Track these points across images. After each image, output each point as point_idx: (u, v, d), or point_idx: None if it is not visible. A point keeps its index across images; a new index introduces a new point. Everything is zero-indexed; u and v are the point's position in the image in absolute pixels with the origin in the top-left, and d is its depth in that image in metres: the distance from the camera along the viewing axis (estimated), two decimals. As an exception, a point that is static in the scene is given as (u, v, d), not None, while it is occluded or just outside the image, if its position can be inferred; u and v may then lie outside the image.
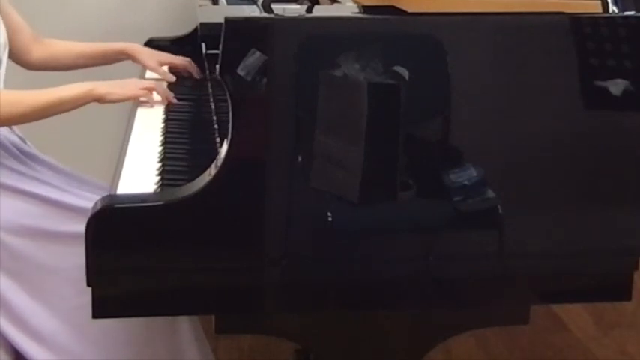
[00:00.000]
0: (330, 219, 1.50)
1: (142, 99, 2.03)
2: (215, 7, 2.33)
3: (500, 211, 1.55)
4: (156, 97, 2.05)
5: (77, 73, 2.30)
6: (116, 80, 1.97)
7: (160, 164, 1.75)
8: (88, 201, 1.71)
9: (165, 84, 2.20)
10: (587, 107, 1.55)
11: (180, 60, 2.32)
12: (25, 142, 1.98)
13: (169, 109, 2.06)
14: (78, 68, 2.28)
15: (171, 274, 1.50)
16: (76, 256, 1.55)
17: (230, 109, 1.47)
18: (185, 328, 1.90)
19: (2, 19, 1.97)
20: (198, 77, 2.27)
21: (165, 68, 2.29)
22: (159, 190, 1.63)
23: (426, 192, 1.54)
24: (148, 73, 2.29)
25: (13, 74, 2.07)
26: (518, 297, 1.62)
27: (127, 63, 2.32)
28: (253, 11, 1.60)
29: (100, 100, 1.88)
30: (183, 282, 1.51)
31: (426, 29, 1.52)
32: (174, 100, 2.05)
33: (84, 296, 1.53)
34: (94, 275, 1.48)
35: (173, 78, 2.23)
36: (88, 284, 1.49)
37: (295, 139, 1.49)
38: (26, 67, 2.10)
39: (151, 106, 2.03)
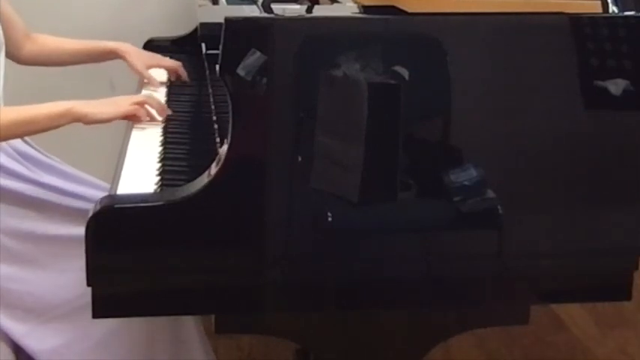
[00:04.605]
0: (330, 219, 1.50)
1: (136, 119, 1.87)
2: (215, 7, 2.33)
3: (500, 211, 1.55)
4: (150, 110, 1.89)
5: (82, 74, 2.30)
6: (105, 99, 1.85)
7: (159, 164, 1.75)
8: (88, 202, 1.71)
9: (162, 96, 2.16)
10: (587, 107, 1.55)
11: (170, 62, 2.30)
12: (26, 142, 1.97)
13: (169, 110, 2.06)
14: (68, 65, 2.25)
15: (171, 274, 1.50)
16: (77, 259, 1.55)
17: (230, 109, 1.47)
18: (190, 327, 1.90)
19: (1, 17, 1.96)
20: (187, 81, 2.25)
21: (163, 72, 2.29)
22: (159, 190, 1.62)
23: (426, 192, 1.54)
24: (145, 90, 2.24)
25: (13, 73, 2.08)
26: (518, 297, 1.62)
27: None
28: (253, 11, 1.60)
29: (83, 120, 1.76)
30: (183, 282, 1.51)
31: (425, 29, 1.51)
32: (169, 111, 1.94)
33: (85, 298, 1.53)
34: (93, 275, 1.48)
35: (158, 83, 2.21)
36: (88, 284, 1.48)
37: (295, 140, 1.49)
38: (16, 61, 2.08)
39: (149, 121, 1.89)
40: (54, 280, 1.83)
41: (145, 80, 2.24)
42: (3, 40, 1.96)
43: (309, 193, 1.50)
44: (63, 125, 1.77)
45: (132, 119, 1.88)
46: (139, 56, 2.25)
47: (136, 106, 1.85)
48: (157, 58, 2.35)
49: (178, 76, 2.27)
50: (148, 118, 1.88)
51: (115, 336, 1.83)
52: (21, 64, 2.11)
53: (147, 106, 1.88)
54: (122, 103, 1.84)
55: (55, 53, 2.20)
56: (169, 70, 2.29)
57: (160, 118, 1.92)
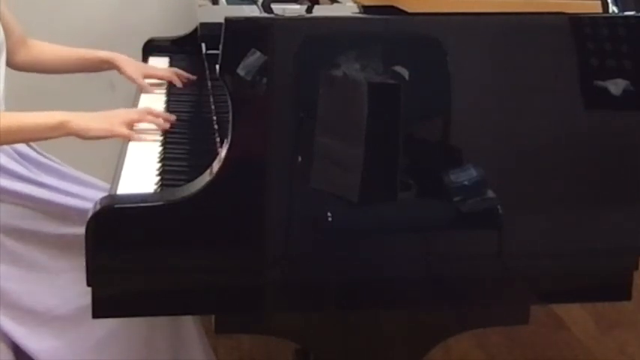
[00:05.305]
0: (330, 219, 1.50)
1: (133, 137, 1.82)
2: (215, 7, 2.33)
3: (500, 211, 1.55)
4: (147, 126, 1.85)
5: (82, 74, 2.30)
6: (103, 112, 1.81)
7: (159, 164, 1.75)
8: (88, 202, 1.71)
9: (162, 97, 2.16)
10: (587, 107, 1.55)
11: (164, 72, 2.29)
12: (26, 144, 1.97)
13: (169, 109, 2.06)
14: (63, 73, 2.25)
15: (171, 274, 1.50)
16: (77, 259, 1.55)
17: (230, 109, 1.47)
18: (190, 327, 1.90)
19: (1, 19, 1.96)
20: (180, 87, 2.24)
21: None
22: (159, 190, 1.62)
23: (426, 192, 1.54)
24: (143, 98, 2.20)
25: (14, 72, 2.08)
26: (518, 297, 1.62)
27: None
28: (253, 11, 1.60)
29: (77, 135, 1.75)
30: (183, 282, 1.51)
31: (426, 29, 1.52)
32: (173, 118, 1.90)
33: (85, 298, 1.53)
34: (93, 275, 1.48)
35: (152, 90, 2.20)
36: (88, 284, 1.49)
37: (295, 140, 1.49)
38: (11, 67, 2.06)
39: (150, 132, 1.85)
40: (54, 281, 1.83)
41: (141, 89, 2.22)
42: (4, 41, 1.96)
43: (309, 193, 1.50)
44: (57, 137, 1.76)
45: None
46: (134, 66, 2.23)
47: (129, 132, 1.80)
48: (151, 68, 2.35)
49: (173, 84, 2.26)
50: (141, 140, 1.83)
51: (115, 336, 1.83)
52: (15, 69, 2.09)
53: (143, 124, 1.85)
54: (117, 122, 1.80)
55: (51, 61, 2.19)
56: (164, 80, 2.27)
57: (161, 128, 1.88)
